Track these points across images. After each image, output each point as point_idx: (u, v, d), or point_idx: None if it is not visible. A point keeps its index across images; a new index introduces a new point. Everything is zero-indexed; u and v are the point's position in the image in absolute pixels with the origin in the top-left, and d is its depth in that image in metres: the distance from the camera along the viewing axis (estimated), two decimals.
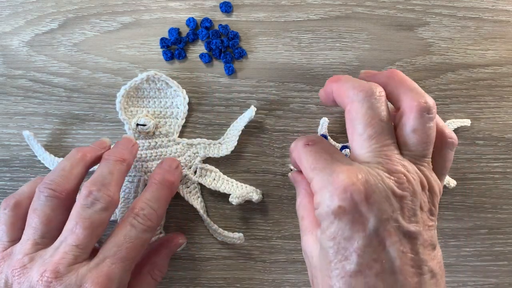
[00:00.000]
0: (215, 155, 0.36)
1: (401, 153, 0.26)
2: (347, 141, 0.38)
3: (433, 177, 0.27)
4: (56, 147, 0.37)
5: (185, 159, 0.36)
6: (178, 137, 0.37)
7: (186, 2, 0.37)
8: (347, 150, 0.37)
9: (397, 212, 0.24)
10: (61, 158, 0.36)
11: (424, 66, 0.37)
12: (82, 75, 0.37)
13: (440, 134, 0.28)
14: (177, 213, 0.38)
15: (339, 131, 0.38)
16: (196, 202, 0.37)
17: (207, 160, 0.37)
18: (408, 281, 0.24)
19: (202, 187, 0.37)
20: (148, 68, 0.37)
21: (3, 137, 0.37)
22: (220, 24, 0.37)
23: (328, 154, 0.27)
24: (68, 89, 0.37)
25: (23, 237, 0.30)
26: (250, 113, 0.35)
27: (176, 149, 0.36)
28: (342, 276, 0.24)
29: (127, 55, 0.37)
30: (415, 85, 0.28)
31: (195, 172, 0.37)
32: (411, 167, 0.26)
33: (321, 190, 0.25)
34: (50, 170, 0.36)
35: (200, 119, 0.37)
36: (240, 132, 0.35)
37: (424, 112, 0.26)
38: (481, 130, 0.38)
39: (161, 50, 0.37)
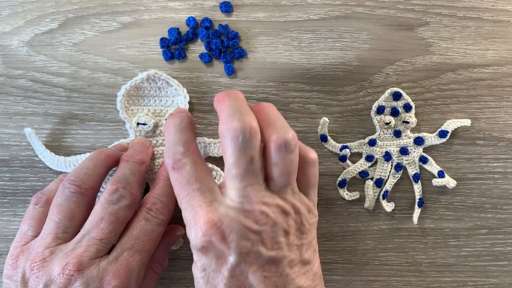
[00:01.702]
0: (215, 155, 0.36)
1: (268, 185, 0.28)
2: (347, 141, 0.38)
3: (298, 199, 0.29)
4: (56, 147, 0.37)
5: None
6: None
7: (186, 2, 0.37)
8: (347, 150, 0.37)
9: (257, 244, 0.27)
10: (62, 157, 0.36)
11: (424, 66, 0.37)
12: (82, 75, 0.37)
13: (301, 156, 0.29)
14: (177, 213, 0.37)
15: (339, 131, 0.38)
16: None
17: (208, 159, 0.37)
18: None
19: None
20: (148, 68, 0.37)
21: (3, 137, 0.37)
22: (220, 24, 0.37)
23: (191, 187, 0.28)
24: (67, 89, 0.37)
25: (44, 231, 0.31)
26: None
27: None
28: None
29: (127, 55, 0.37)
30: (278, 119, 0.29)
31: None
32: (274, 201, 0.28)
33: (188, 227, 0.28)
34: (51, 169, 0.36)
35: (200, 119, 0.37)
36: None
37: (282, 146, 0.27)
38: (481, 130, 0.38)
39: (161, 50, 0.37)
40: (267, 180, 0.28)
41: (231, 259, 0.27)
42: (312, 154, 0.30)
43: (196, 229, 0.27)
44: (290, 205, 0.28)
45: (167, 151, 0.30)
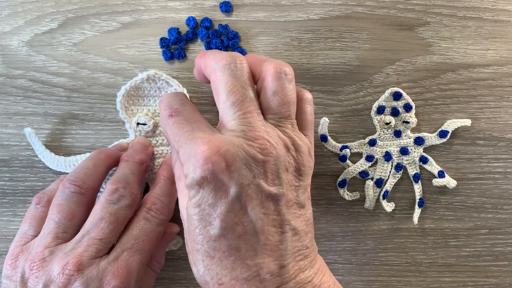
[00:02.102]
0: None
1: (265, 118, 0.27)
2: (347, 141, 0.38)
3: (299, 137, 0.28)
4: (55, 147, 0.37)
5: None
6: None
7: (186, 2, 0.37)
8: (347, 150, 0.37)
9: (259, 176, 0.25)
10: (62, 157, 0.36)
11: (424, 66, 0.37)
12: (82, 75, 0.37)
13: (298, 95, 0.29)
14: (177, 213, 0.37)
15: (339, 131, 0.38)
16: None
17: None
18: (269, 240, 0.26)
19: None
20: (148, 68, 0.37)
21: (3, 137, 0.37)
22: (220, 24, 0.37)
23: (190, 125, 0.27)
24: (67, 89, 0.37)
25: (44, 230, 0.31)
26: None
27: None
28: (207, 240, 0.25)
29: (127, 55, 0.37)
30: (274, 59, 0.29)
31: None
32: (274, 132, 0.27)
33: (186, 162, 0.26)
34: (51, 169, 0.36)
35: None
36: None
37: (282, 74, 0.27)
38: (481, 130, 0.38)
39: (161, 50, 0.37)
40: (266, 113, 0.27)
41: (232, 190, 0.25)
42: (307, 93, 0.30)
43: (196, 158, 0.25)
44: (291, 141, 0.27)
45: (162, 111, 0.29)
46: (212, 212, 0.25)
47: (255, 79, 0.29)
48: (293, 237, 0.26)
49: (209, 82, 0.29)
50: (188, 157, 0.25)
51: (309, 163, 0.28)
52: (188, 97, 0.32)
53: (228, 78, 0.27)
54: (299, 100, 0.29)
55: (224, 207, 0.25)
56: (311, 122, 0.30)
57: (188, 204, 0.26)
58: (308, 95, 0.30)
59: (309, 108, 0.30)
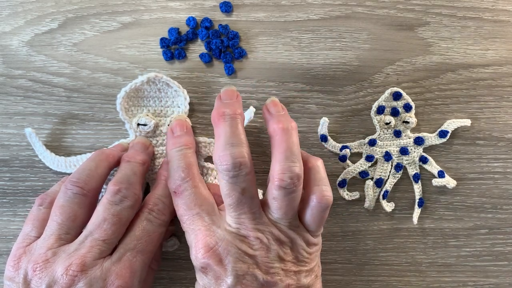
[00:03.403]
0: None
1: (266, 212, 0.30)
2: (347, 141, 0.38)
3: (296, 231, 0.30)
4: (55, 147, 0.37)
5: None
6: None
7: (186, 2, 0.37)
8: (347, 150, 0.37)
9: (253, 267, 0.29)
10: (62, 157, 0.36)
11: (424, 66, 0.37)
12: (82, 75, 0.37)
13: (315, 193, 0.30)
14: None
15: (339, 131, 0.38)
16: None
17: (208, 159, 0.37)
18: None
19: None
20: (148, 68, 0.37)
21: (3, 137, 0.37)
22: (220, 24, 0.37)
23: (190, 210, 0.30)
24: (67, 89, 0.37)
25: (46, 232, 0.31)
26: (249, 114, 0.35)
27: None
28: None
29: (127, 55, 0.37)
30: (289, 150, 0.30)
31: None
32: (267, 228, 0.30)
33: (190, 248, 0.30)
34: (51, 169, 0.36)
35: (200, 119, 0.37)
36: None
37: (283, 187, 0.29)
38: (481, 130, 0.38)
39: (161, 50, 0.37)
40: (266, 207, 0.30)
41: (228, 280, 0.28)
42: (328, 193, 0.31)
43: (196, 251, 0.29)
44: (285, 235, 0.30)
45: (169, 175, 0.32)
46: None
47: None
48: None
49: None
50: (190, 244, 0.30)
51: (310, 249, 0.31)
52: (192, 140, 0.34)
53: (226, 183, 0.29)
54: (317, 204, 0.30)
55: None
56: (320, 225, 0.31)
57: (196, 285, 0.31)
58: (327, 197, 0.30)
59: (326, 214, 0.31)
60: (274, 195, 0.29)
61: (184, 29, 0.37)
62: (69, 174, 0.36)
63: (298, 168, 0.29)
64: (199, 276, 0.30)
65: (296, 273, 0.30)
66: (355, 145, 0.38)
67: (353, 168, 0.38)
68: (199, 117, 0.37)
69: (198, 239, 0.29)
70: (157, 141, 0.36)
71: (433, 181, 0.38)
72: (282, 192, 0.29)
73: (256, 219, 0.30)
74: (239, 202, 0.29)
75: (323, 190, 0.30)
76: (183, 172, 0.31)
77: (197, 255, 0.29)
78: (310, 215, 0.31)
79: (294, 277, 0.30)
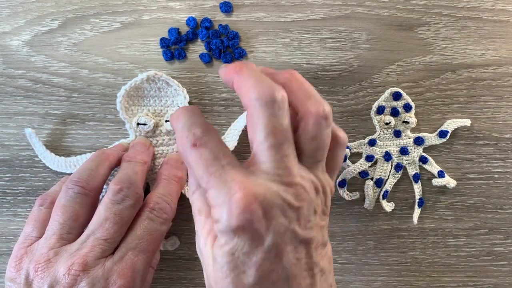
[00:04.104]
0: None
1: (299, 159, 0.26)
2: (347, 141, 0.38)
3: (326, 179, 0.27)
4: (55, 147, 0.37)
5: None
6: None
7: (186, 2, 0.37)
8: (347, 150, 0.37)
9: (294, 222, 0.25)
10: (62, 157, 0.36)
11: (424, 66, 0.37)
12: (82, 75, 0.37)
13: (333, 135, 0.28)
14: (177, 213, 0.37)
15: None
16: None
17: None
18: (300, 285, 0.25)
19: None
20: (148, 68, 0.37)
21: (3, 137, 0.37)
22: (220, 24, 0.37)
23: (217, 160, 0.25)
24: (68, 89, 0.37)
25: (48, 232, 0.31)
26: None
27: (178, 147, 0.36)
28: None
29: (127, 55, 0.37)
30: (314, 90, 0.27)
31: None
32: (308, 175, 0.26)
33: (219, 207, 0.24)
34: (50, 169, 0.36)
35: None
36: (240, 132, 0.35)
37: (323, 119, 0.26)
38: (481, 130, 0.38)
39: (161, 50, 0.37)
40: (300, 153, 0.26)
41: (268, 239, 0.24)
42: (342, 133, 0.29)
43: (231, 206, 0.23)
44: (321, 183, 0.26)
45: (181, 134, 0.26)
46: (247, 260, 0.24)
47: (292, 107, 0.27)
48: (321, 278, 0.26)
49: (233, 89, 0.27)
50: (221, 202, 0.24)
51: (330, 203, 0.28)
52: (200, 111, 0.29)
53: (269, 118, 0.24)
54: (333, 142, 0.28)
55: (260, 255, 0.24)
56: (339, 167, 0.29)
57: (218, 251, 0.25)
58: (343, 138, 0.29)
59: (341, 153, 0.29)
60: (312, 133, 0.26)
61: (184, 29, 0.37)
62: (69, 174, 0.36)
63: (328, 107, 0.26)
64: (227, 238, 0.24)
65: (322, 228, 0.27)
66: (355, 145, 0.38)
67: (353, 168, 0.38)
68: None
69: (234, 190, 0.23)
70: (157, 141, 0.36)
71: (433, 181, 0.38)
72: (322, 125, 0.26)
73: (298, 164, 0.25)
74: (284, 140, 0.25)
75: (338, 131, 0.28)
76: (202, 127, 0.26)
77: (235, 210, 0.23)
78: (329, 155, 0.27)
79: (321, 233, 0.26)
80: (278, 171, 0.25)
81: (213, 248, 0.25)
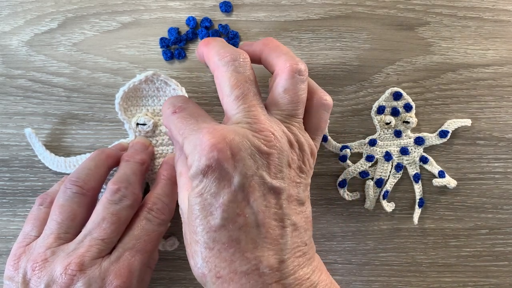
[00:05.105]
0: None
1: (272, 113, 0.28)
2: (347, 141, 0.38)
3: (303, 136, 0.28)
4: (55, 147, 0.37)
5: None
6: None
7: (186, 2, 0.37)
8: (348, 150, 0.37)
9: (262, 168, 0.26)
10: (62, 157, 0.36)
11: (424, 66, 0.37)
12: (82, 75, 0.37)
13: (314, 95, 0.29)
14: (177, 213, 0.37)
15: (339, 131, 0.38)
16: None
17: None
18: (270, 233, 0.26)
19: None
20: (148, 68, 0.37)
21: (3, 137, 0.37)
22: (220, 24, 0.37)
23: (194, 118, 0.28)
24: (67, 89, 0.37)
25: (45, 231, 0.31)
26: None
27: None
28: (207, 231, 0.25)
29: (127, 55, 0.37)
30: (289, 51, 0.29)
31: None
32: (279, 126, 0.27)
33: (192, 152, 0.26)
34: (50, 169, 0.36)
35: None
36: None
37: (295, 73, 0.27)
38: (481, 130, 0.38)
39: (161, 49, 0.37)
40: (273, 108, 0.28)
41: (235, 180, 0.25)
42: (327, 97, 0.30)
43: (201, 146, 0.25)
44: (295, 137, 0.27)
45: (165, 108, 0.30)
46: (214, 202, 0.25)
47: (269, 69, 0.29)
48: (293, 233, 0.27)
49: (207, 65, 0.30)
50: (193, 146, 0.26)
51: (311, 162, 0.29)
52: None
53: (231, 73, 0.27)
54: (318, 104, 0.29)
55: (227, 197, 0.25)
56: (323, 129, 0.30)
57: (190, 194, 0.26)
58: (327, 100, 0.30)
59: (326, 115, 0.30)
60: (285, 86, 0.27)
61: (184, 29, 0.37)
62: (68, 174, 0.36)
63: (304, 64, 0.28)
64: (197, 181, 0.25)
65: (297, 185, 0.27)
66: (355, 145, 0.38)
67: (354, 168, 0.37)
68: None
69: (204, 133, 0.25)
70: (157, 141, 0.36)
71: (433, 181, 0.38)
72: (296, 80, 0.27)
73: (266, 114, 0.27)
74: (248, 91, 0.27)
75: (323, 93, 0.30)
76: (183, 99, 0.30)
77: (204, 150, 0.25)
78: (312, 116, 0.29)
79: (295, 188, 0.27)
80: (247, 119, 0.26)
81: (188, 197, 0.26)
